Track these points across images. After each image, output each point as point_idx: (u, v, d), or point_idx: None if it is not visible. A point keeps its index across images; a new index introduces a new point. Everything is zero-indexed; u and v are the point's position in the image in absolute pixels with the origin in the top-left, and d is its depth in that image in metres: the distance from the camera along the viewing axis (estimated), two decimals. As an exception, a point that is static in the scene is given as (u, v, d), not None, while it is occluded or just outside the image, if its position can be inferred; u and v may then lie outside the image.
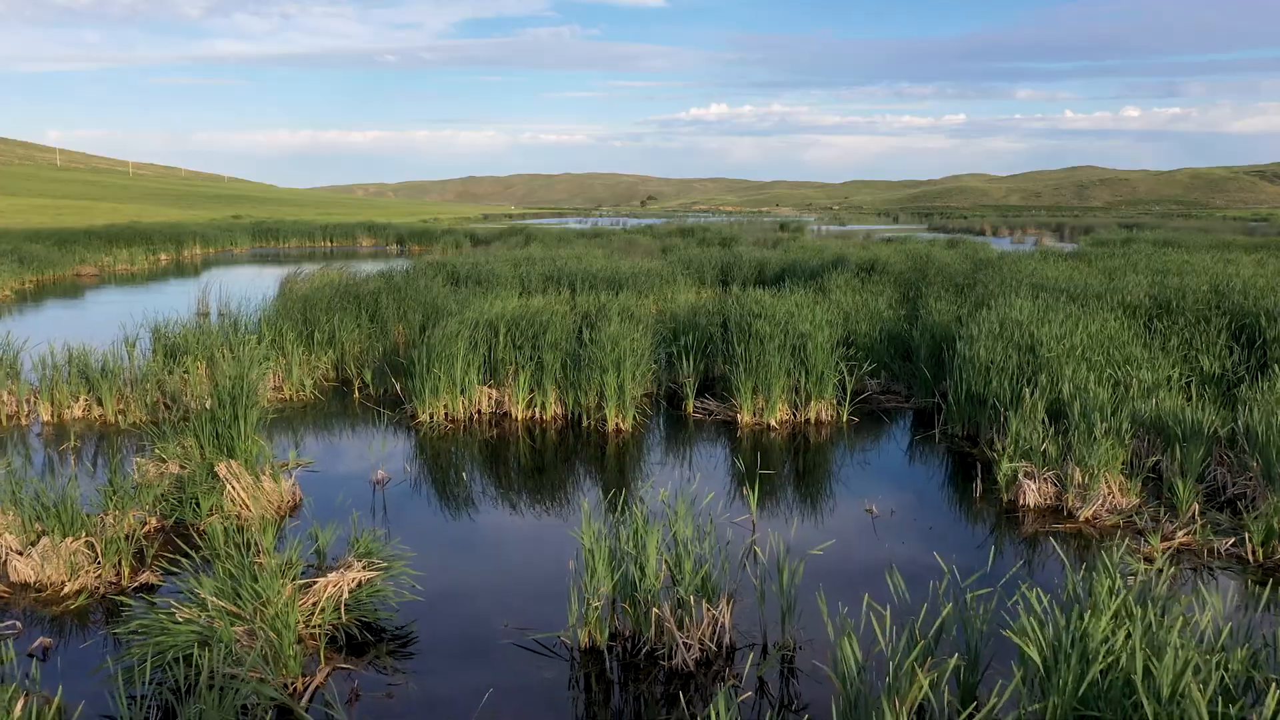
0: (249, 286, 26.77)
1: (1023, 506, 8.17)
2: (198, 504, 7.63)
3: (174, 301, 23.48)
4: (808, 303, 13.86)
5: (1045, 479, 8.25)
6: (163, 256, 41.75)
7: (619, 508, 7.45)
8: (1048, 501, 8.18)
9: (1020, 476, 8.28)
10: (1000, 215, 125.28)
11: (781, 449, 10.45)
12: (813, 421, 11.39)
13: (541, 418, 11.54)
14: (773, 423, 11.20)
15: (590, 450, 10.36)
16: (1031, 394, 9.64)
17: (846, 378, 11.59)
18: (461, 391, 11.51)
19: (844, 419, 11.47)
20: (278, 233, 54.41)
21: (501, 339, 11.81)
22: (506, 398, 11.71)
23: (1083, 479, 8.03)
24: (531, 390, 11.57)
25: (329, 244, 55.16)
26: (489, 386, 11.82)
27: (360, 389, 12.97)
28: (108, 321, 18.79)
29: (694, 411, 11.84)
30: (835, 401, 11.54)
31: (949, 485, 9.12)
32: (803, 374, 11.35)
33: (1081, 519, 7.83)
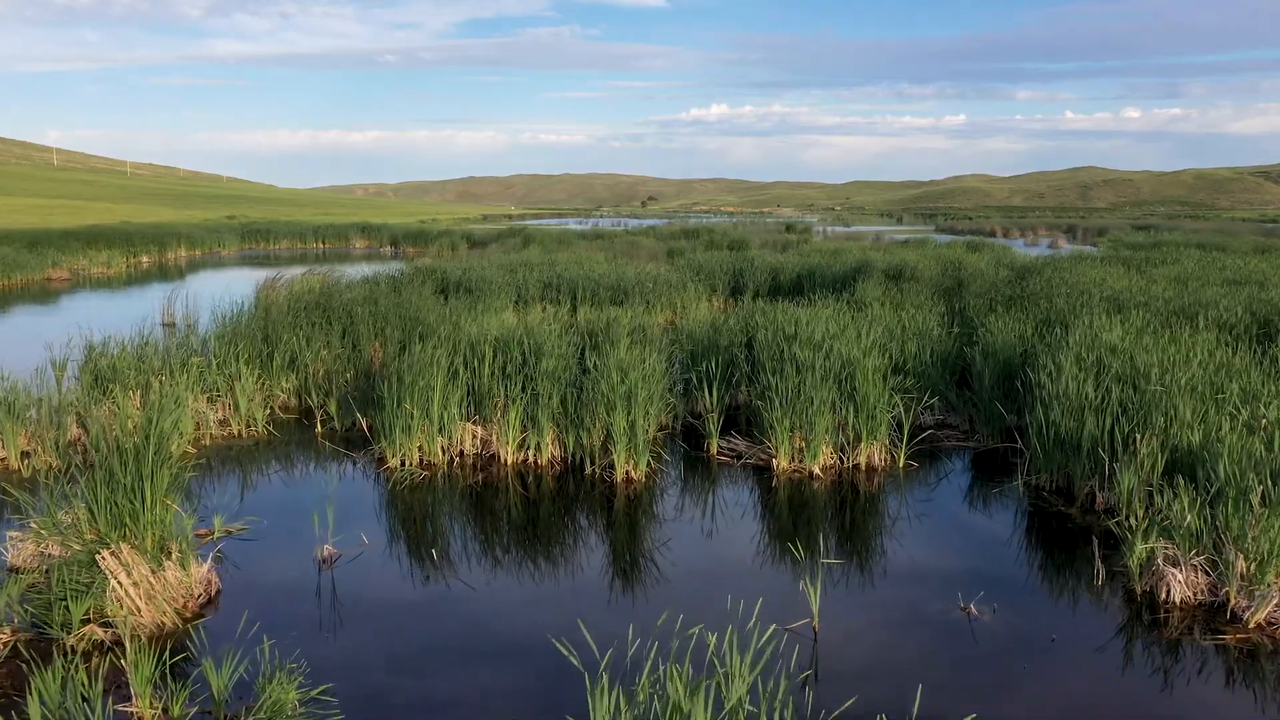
0: (226, 292, 24.80)
1: (1166, 603, 6.23)
2: (69, 608, 5.69)
3: (141, 309, 21.54)
4: (848, 320, 11.92)
5: (1193, 565, 6.31)
6: (144, 259, 39.78)
7: (637, 622, 5.51)
8: (1199, 596, 6.24)
9: (1160, 561, 6.34)
10: (1005, 216, 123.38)
11: (829, 506, 8.52)
12: (863, 467, 9.45)
13: (536, 462, 9.59)
14: (815, 469, 9.25)
15: (595, 506, 8.43)
16: (1147, 442, 7.72)
17: (903, 413, 9.66)
18: (440, 430, 9.56)
19: (900, 464, 9.53)
20: (268, 234, 52.42)
21: (488, 365, 9.88)
22: (494, 437, 9.77)
23: (1247, 568, 6.09)
24: (524, 428, 9.63)
25: (321, 245, 53.19)
26: (473, 423, 9.89)
27: (323, 422, 11.02)
28: (55, 334, 16.84)
29: (718, 454, 9.90)
30: (889, 442, 9.60)
31: (1052, 564, 7.17)
32: (850, 409, 9.41)
33: (1252, 624, 5.90)
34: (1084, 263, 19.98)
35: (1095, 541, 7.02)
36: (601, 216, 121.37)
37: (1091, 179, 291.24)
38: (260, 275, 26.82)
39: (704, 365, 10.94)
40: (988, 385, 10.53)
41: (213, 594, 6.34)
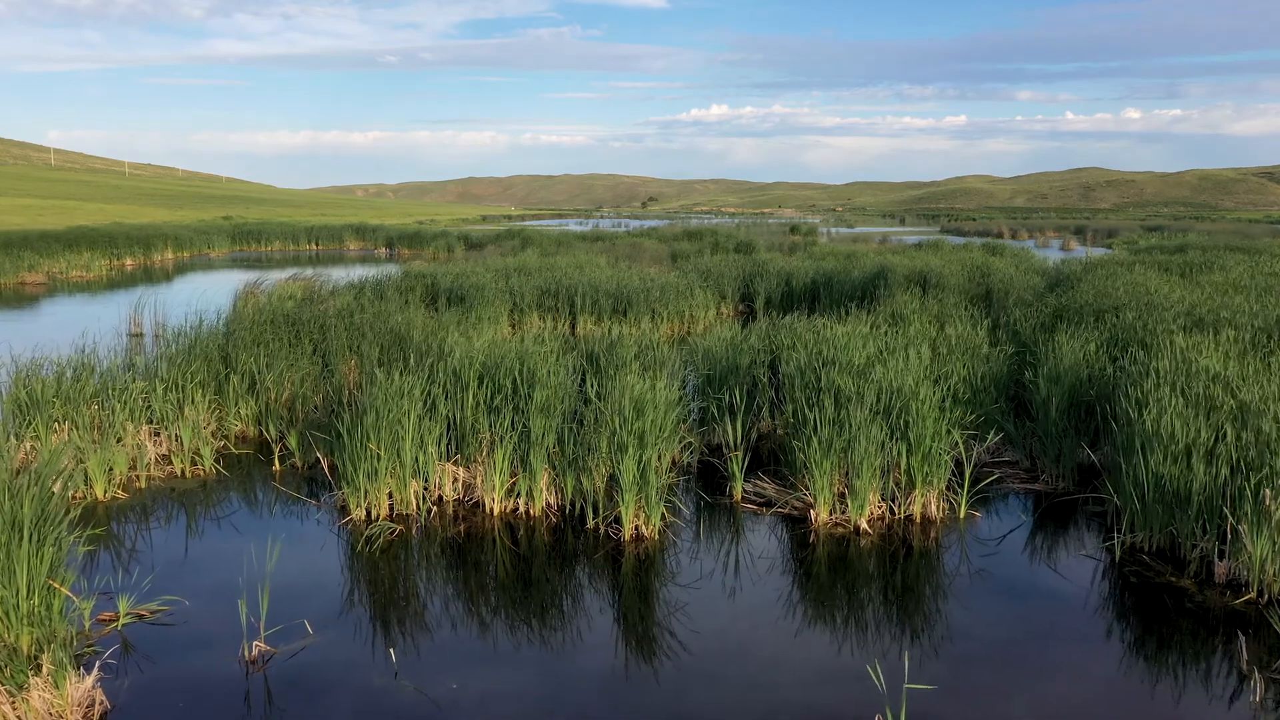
0: (205, 297, 23.32)
1: (1356, 734, 4.74)
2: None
3: (110, 316, 20.04)
4: (889, 338, 10.39)
5: (1388, 682, 4.81)
6: (128, 261, 38.29)
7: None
8: (1399, 725, 4.74)
9: (1343, 677, 4.84)
10: (1009, 217, 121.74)
11: (883, 573, 7.01)
12: (916, 519, 7.94)
13: (528, 512, 8.08)
14: (862, 524, 7.74)
15: (598, 571, 6.93)
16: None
17: (964, 454, 8.16)
18: (415, 473, 8.06)
19: (961, 515, 8.03)
20: (260, 235, 50.93)
21: (472, 395, 8.38)
22: (478, 481, 8.27)
23: None
24: (514, 473, 8.13)
25: (314, 247, 51.74)
26: (454, 463, 8.39)
27: (282, 458, 9.50)
28: (5, 347, 15.35)
29: (744, 499, 8.40)
30: (945, 488, 8.09)
31: (1181, 663, 5.65)
32: (902, 449, 7.91)
33: None
34: (1124, 268, 18.45)
35: (1241, 640, 5.51)
36: (602, 217, 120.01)
37: (1094, 180, 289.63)
38: (246, 278, 25.39)
39: (725, 393, 9.45)
40: (1054, 417, 9.03)
41: (98, 717, 4.83)
